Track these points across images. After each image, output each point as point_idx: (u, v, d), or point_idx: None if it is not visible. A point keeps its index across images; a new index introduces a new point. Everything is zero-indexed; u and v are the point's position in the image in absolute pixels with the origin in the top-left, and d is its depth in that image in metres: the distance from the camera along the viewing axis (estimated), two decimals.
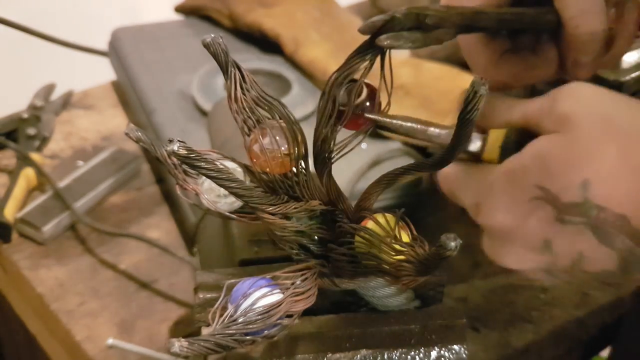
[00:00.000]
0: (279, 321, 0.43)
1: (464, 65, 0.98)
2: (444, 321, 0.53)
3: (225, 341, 0.41)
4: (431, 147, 0.89)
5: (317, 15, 1.06)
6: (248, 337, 0.42)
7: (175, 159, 0.46)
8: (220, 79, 0.96)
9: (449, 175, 0.54)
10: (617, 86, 0.76)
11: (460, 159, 0.54)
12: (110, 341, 0.73)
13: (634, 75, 0.76)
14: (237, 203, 0.50)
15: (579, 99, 0.48)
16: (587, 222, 0.46)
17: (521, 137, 0.51)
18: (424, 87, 0.95)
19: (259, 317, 0.43)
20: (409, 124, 0.52)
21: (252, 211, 0.49)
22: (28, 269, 0.81)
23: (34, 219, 0.84)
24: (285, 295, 0.44)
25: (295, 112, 0.49)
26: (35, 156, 0.91)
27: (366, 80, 0.48)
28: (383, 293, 0.53)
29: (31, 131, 0.94)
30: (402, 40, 0.46)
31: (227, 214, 0.50)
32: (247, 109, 0.47)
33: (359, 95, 0.48)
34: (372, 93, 0.49)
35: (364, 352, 0.51)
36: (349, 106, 0.47)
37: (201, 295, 0.53)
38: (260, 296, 0.44)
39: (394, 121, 0.51)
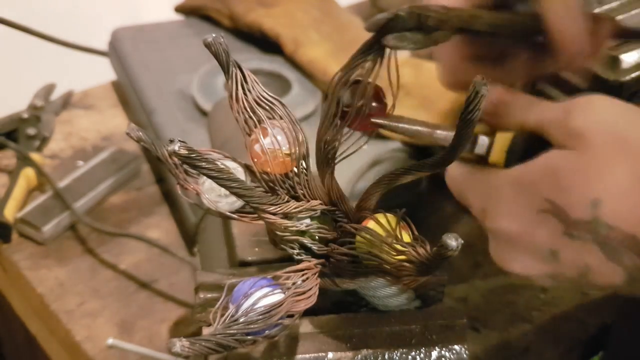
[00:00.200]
0: (280, 321, 0.43)
1: None
2: (445, 321, 0.53)
3: (226, 341, 0.41)
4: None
5: (317, 15, 1.06)
6: (249, 337, 0.42)
7: (176, 159, 0.47)
8: (220, 79, 0.95)
9: (456, 176, 0.54)
10: (617, 86, 0.76)
11: (466, 160, 0.54)
12: (110, 341, 0.73)
13: (633, 75, 0.76)
14: (238, 203, 0.50)
15: (593, 114, 0.47)
16: (595, 238, 0.46)
17: (528, 142, 0.51)
18: (424, 87, 0.95)
19: (260, 317, 0.43)
20: (415, 128, 0.52)
21: (252, 211, 0.49)
22: (28, 269, 0.81)
23: (34, 219, 0.84)
24: (286, 295, 0.44)
25: (296, 112, 0.49)
26: (35, 156, 0.91)
27: (370, 80, 0.48)
28: (384, 293, 0.53)
29: (31, 131, 0.94)
30: (405, 42, 0.47)
31: (228, 213, 0.50)
32: (248, 109, 0.47)
33: (363, 95, 0.48)
34: (378, 93, 0.49)
35: (364, 352, 0.51)
36: (353, 106, 0.48)
37: (202, 295, 0.53)
38: (261, 296, 0.44)
39: (401, 125, 0.51)
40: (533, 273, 0.50)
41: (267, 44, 1.03)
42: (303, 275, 0.47)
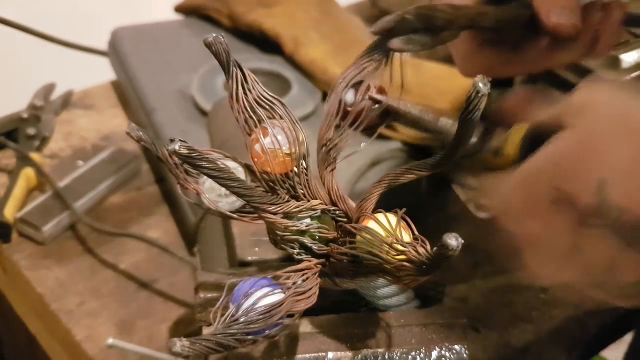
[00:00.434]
0: (280, 321, 0.43)
1: None
2: (445, 321, 0.53)
3: (226, 341, 0.41)
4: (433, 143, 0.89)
5: (317, 15, 1.06)
6: (249, 337, 0.42)
7: (176, 159, 0.47)
8: (220, 79, 0.96)
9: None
10: None
11: (482, 156, 0.54)
12: (110, 341, 0.73)
13: (634, 75, 0.76)
14: (238, 203, 0.50)
15: (595, 91, 0.47)
16: (608, 224, 0.43)
17: (541, 134, 0.49)
18: (424, 87, 0.95)
19: (261, 317, 0.42)
20: (418, 112, 0.52)
21: (253, 211, 0.49)
22: (28, 269, 0.81)
23: (34, 219, 0.84)
24: (287, 295, 0.44)
25: (295, 112, 0.49)
26: (35, 156, 0.91)
27: (373, 81, 0.48)
28: (384, 293, 0.53)
29: (31, 131, 0.94)
30: (412, 44, 0.47)
31: (228, 213, 0.50)
32: (248, 109, 0.47)
33: (366, 96, 0.48)
34: (380, 94, 0.49)
35: (364, 352, 0.51)
36: (355, 107, 0.48)
37: (202, 295, 0.53)
38: (261, 296, 0.44)
39: (402, 107, 0.51)
40: (566, 278, 0.46)
41: (267, 44, 1.03)
42: (303, 275, 0.47)
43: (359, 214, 0.49)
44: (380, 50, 0.47)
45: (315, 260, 0.49)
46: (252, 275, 0.51)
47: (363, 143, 0.50)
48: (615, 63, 0.77)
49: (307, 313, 0.47)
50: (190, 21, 1.11)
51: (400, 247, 0.44)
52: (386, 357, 0.51)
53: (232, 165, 0.49)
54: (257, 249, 0.59)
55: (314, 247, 0.49)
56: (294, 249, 0.49)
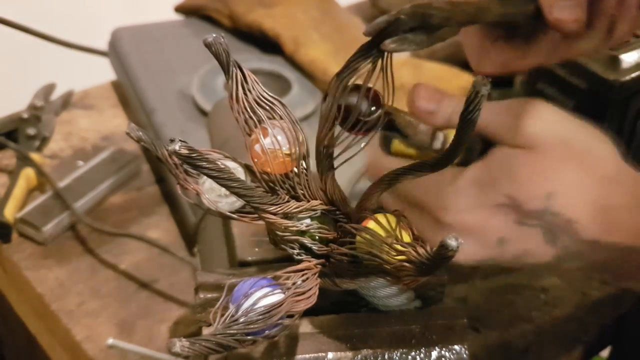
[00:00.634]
0: (280, 321, 0.43)
1: (464, 65, 0.98)
2: (445, 321, 0.53)
3: (226, 341, 0.41)
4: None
5: (317, 15, 1.06)
6: (249, 337, 0.42)
7: (176, 159, 0.47)
8: (220, 79, 0.96)
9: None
10: (617, 86, 0.76)
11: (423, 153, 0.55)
12: (110, 341, 0.73)
13: (633, 75, 0.76)
14: (238, 203, 0.50)
15: (544, 122, 0.53)
16: (541, 224, 0.52)
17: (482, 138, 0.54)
18: None
19: (260, 317, 0.42)
20: (408, 118, 0.53)
21: (253, 211, 0.49)
22: (28, 269, 0.81)
23: (34, 219, 0.84)
24: (287, 295, 0.44)
25: (295, 112, 0.49)
26: (35, 156, 0.91)
27: (368, 84, 0.48)
28: (384, 293, 0.53)
29: (31, 131, 0.94)
30: (406, 44, 0.46)
31: (228, 213, 0.50)
32: (248, 109, 0.47)
33: (362, 97, 0.48)
34: (376, 96, 0.49)
35: (364, 352, 0.51)
36: (354, 111, 0.47)
37: (202, 295, 0.53)
38: (261, 296, 0.44)
39: (408, 117, 0.52)
40: (474, 260, 0.54)
41: (267, 44, 1.03)
42: (303, 275, 0.47)
43: (358, 214, 0.49)
44: (374, 50, 0.46)
45: (315, 261, 0.49)
46: (252, 275, 0.51)
47: (363, 143, 0.50)
48: (615, 63, 0.77)
49: (307, 313, 0.47)
50: (190, 21, 1.11)
51: (400, 247, 0.44)
52: (386, 357, 0.51)
53: (231, 165, 0.49)
54: (257, 249, 0.59)
55: (314, 247, 0.49)
56: (293, 249, 0.49)
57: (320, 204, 0.50)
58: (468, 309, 0.76)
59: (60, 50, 1.02)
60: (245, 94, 0.47)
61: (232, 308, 0.43)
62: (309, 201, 0.49)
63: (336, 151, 0.49)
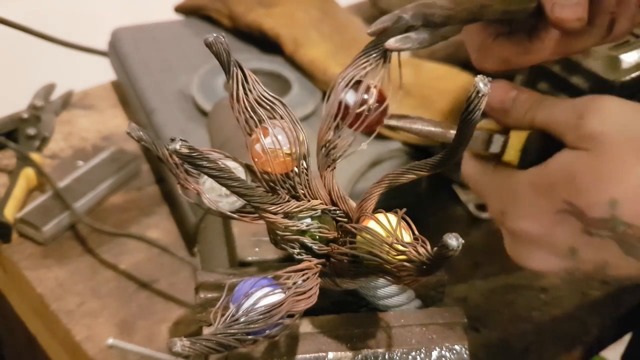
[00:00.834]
0: (280, 321, 0.43)
1: (464, 65, 0.98)
2: (445, 321, 0.53)
3: (227, 341, 0.41)
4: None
5: (317, 15, 1.06)
6: (250, 337, 0.42)
7: (176, 158, 0.47)
8: (220, 79, 0.96)
9: (473, 175, 0.55)
10: (617, 86, 0.76)
11: (480, 158, 0.54)
12: (110, 341, 0.73)
13: (634, 75, 0.76)
14: (238, 202, 0.50)
15: (607, 117, 0.49)
16: (613, 236, 0.48)
17: (543, 142, 0.51)
18: (424, 87, 0.95)
19: (261, 316, 0.42)
20: (428, 129, 0.52)
21: (253, 211, 0.49)
22: (28, 269, 0.81)
23: (34, 219, 0.84)
24: (287, 295, 0.44)
25: (295, 112, 0.49)
26: (35, 156, 0.91)
27: (372, 81, 0.48)
28: (384, 293, 0.53)
29: (31, 131, 0.94)
30: (409, 43, 0.47)
31: (228, 213, 0.50)
32: (249, 109, 0.47)
33: (366, 95, 0.48)
34: (380, 94, 0.49)
35: (364, 352, 0.51)
36: (354, 108, 0.48)
37: (202, 295, 0.53)
38: (261, 296, 0.44)
39: (414, 126, 0.51)
40: (551, 268, 0.51)
41: (267, 44, 1.03)
42: (303, 275, 0.47)
43: (359, 213, 0.49)
44: (377, 50, 0.47)
45: (315, 260, 0.49)
46: (252, 275, 0.51)
47: (363, 143, 0.50)
48: (615, 63, 0.77)
49: (307, 313, 0.47)
50: (190, 21, 1.11)
51: (400, 247, 0.44)
52: (386, 357, 0.51)
53: (232, 165, 0.49)
54: (257, 249, 0.59)
55: (314, 247, 0.49)
56: (294, 248, 0.49)
57: (321, 203, 0.50)
58: (468, 309, 0.76)
59: (60, 50, 1.02)
60: (245, 93, 0.47)
61: (232, 308, 0.43)
62: (309, 201, 0.49)
63: (339, 148, 0.49)
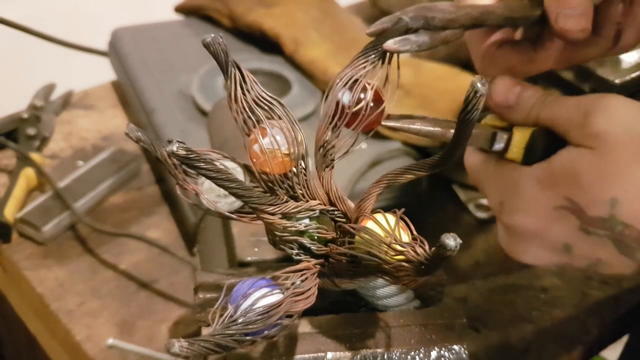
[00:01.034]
0: (279, 321, 0.43)
1: (464, 65, 0.98)
2: (444, 321, 0.53)
3: (225, 341, 0.41)
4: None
5: (317, 15, 1.06)
6: (248, 338, 0.42)
7: (175, 159, 0.47)
8: (220, 79, 0.96)
9: (476, 166, 0.54)
10: (617, 86, 0.76)
11: (483, 154, 0.54)
12: (110, 341, 0.73)
13: (634, 75, 0.76)
14: (237, 203, 0.50)
15: (613, 116, 0.48)
16: (610, 235, 0.48)
17: (546, 139, 0.50)
18: (424, 87, 0.95)
19: (259, 317, 0.42)
20: (427, 129, 0.52)
21: (252, 211, 0.49)
22: (28, 269, 0.81)
23: (34, 219, 0.84)
24: (285, 295, 0.44)
25: (295, 112, 0.49)
26: (35, 156, 0.91)
27: (369, 81, 0.48)
28: (383, 293, 0.53)
29: (31, 131, 0.94)
30: (409, 45, 0.47)
31: (227, 214, 0.50)
32: (247, 109, 0.47)
33: (363, 95, 0.48)
34: (377, 94, 0.49)
35: (364, 352, 0.51)
36: (352, 107, 0.47)
37: (201, 295, 0.53)
38: (260, 296, 0.44)
39: (413, 127, 0.51)
40: (543, 263, 0.52)
41: (267, 44, 1.03)
42: (302, 275, 0.47)
43: (357, 214, 0.49)
44: (376, 50, 0.47)
45: (314, 261, 0.49)
46: (251, 275, 0.51)
47: (363, 143, 0.50)
48: (615, 63, 0.77)
49: (306, 313, 0.47)
50: (190, 21, 1.11)
51: (398, 247, 0.44)
52: (385, 357, 0.51)
53: (230, 165, 0.49)
54: (256, 249, 0.59)
55: (313, 248, 0.49)
56: (292, 249, 0.49)
57: (319, 204, 0.50)
58: (468, 309, 0.76)
59: (60, 50, 1.02)
60: (243, 94, 0.47)
61: (230, 308, 0.43)
62: (307, 201, 0.49)
63: (337, 148, 0.49)
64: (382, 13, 1.12)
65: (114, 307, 0.78)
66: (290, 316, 0.44)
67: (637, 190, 0.47)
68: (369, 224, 0.47)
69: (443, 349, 0.52)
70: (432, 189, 0.89)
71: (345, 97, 0.48)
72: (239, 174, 0.49)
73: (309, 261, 0.49)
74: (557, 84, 0.81)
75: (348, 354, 0.50)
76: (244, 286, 0.44)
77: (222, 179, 0.44)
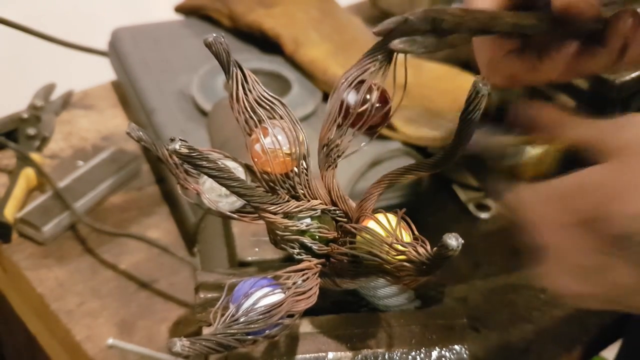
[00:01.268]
0: (280, 321, 0.43)
1: (464, 65, 0.98)
2: (445, 321, 0.53)
3: (226, 341, 0.41)
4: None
5: (317, 15, 1.06)
6: (249, 337, 0.42)
7: (176, 158, 0.47)
8: (220, 79, 0.96)
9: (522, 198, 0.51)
10: (617, 86, 0.76)
11: (505, 171, 0.53)
12: (110, 341, 0.73)
13: (633, 75, 0.76)
14: (238, 203, 0.50)
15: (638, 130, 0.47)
16: (631, 255, 0.45)
17: (573, 158, 0.50)
18: (424, 87, 0.95)
19: (261, 316, 0.43)
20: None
21: (253, 211, 0.49)
22: (28, 269, 0.81)
23: (34, 219, 0.84)
24: (287, 295, 0.44)
25: (295, 112, 0.49)
26: (35, 156, 0.91)
27: (375, 82, 0.48)
28: (384, 293, 0.53)
29: (31, 131, 0.94)
30: (415, 45, 0.47)
31: (228, 213, 0.50)
32: (248, 109, 0.47)
33: (369, 96, 0.48)
34: (382, 95, 0.49)
35: (364, 352, 0.51)
36: (355, 107, 0.48)
37: (202, 295, 0.53)
38: (261, 296, 0.44)
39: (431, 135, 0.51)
40: (555, 285, 0.48)
41: (267, 44, 1.03)
42: (303, 275, 0.47)
43: (358, 213, 0.49)
44: (382, 50, 0.47)
45: (315, 260, 0.49)
46: (252, 275, 0.51)
47: (363, 143, 0.50)
48: None
49: (307, 313, 0.47)
50: (190, 21, 1.11)
51: (400, 247, 0.44)
52: (386, 357, 0.51)
53: (232, 165, 0.49)
54: (257, 249, 0.59)
55: (314, 247, 0.49)
56: (293, 248, 0.49)
57: (320, 203, 0.50)
58: (468, 309, 0.76)
59: (60, 50, 1.02)
60: (245, 93, 0.47)
61: (232, 308, 0.43)
62: (309, 201, 0.49)
63: (340, 147, 0.49)
64: (382, 13, 1.12)
65: (114, 307, 0.78)
66: (291, 316, 0.44)
67: None
68: (371, 224, 0.47)
69: (444, 349, 0.52)
70: (432, 189, 0.89)
71: (351, 98, 0.48)
72: (240, 173, 0.49)
73: (310, 261, 0.49)
74: (560, 87, 0.81)
75: (349, 354, 0.51)
76: (246, 286, 0.44)
77: (224, 178, 0.44)
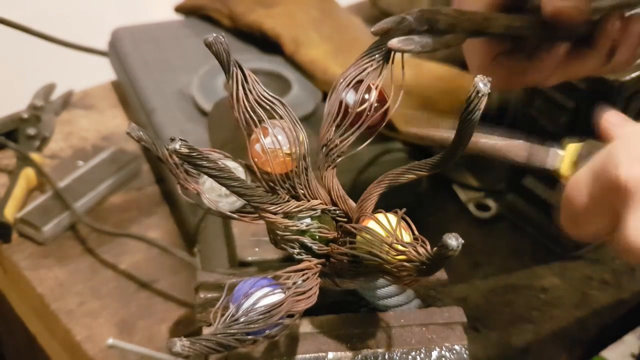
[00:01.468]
0: (280, 321, 0.43)
1: (464, 65, 0.98)
2: (445, 321, 0.53)
3: (226, 341, 0.41)
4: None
5: (317, 15, 1.06)
6: (249, 337, 0.42)
7: (176, 158, 0.47)
8: (220, 79, 0.96)
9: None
10: (617, 86, 0.76)
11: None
12: (110, 341, 0.73)
13: (634, 75, 0.76)
14: (238, 202, 0.50)
15: None
16: None
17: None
18: (424, 87, 0.95)
19: (261, 316, 0.42)
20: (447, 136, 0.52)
21: (253, 211, 0.49)
22: (28, 269, 0.81)
23: (34, 219, 0.84)
24: (287, 295, 0.44)
25: (295, 112, 0.49)
26: (35, 156, 0.91)
27: (374, 82, 0.48)
28: (384, 293, 0.53)
29: (31, 131, 0.94)
30: (412, 45, 0.47)
31: (228, 213, 0.50)
32: (248, 109, 0.47)
33: (367, 95, 0.48)
34: (381, 94, 0.49)
35: (364, 352, 0.51)
36: (354, 107, 0.48)
37: (202, 295, 0.53)
38: (261, 296, 0.44)
39: (437, 134, 0.51)
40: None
41: (267, 44, 1.03)
42: (303, 275, 0.47)
43: (359, 213, 0.49)
44: (380, 50, 0.47)
45: (315, 260, 0.49)
46: (252, 275, 0.51)
47: (363, 143, 0.50)
48: None
49: (307, 313, 0.47)
50: (190, 21, 1.11)
51: (400, 247, 0.44)
52: (386, 357, 0.51)
53: (232, 165, 0.49)
54: (257, 249, 0.59)
55: (314, 247, 0.49)
56: (294, 248, 0.49)
57: (321, 203, 0.50)
58: (468, 309, 0.76)
59: (60, 50, 1.02)
60: (245, 93, 0.47)
61: (232, 308, 0.43)
62: (309, 201, 0.49)
63: (340, 147, 0.49)
64: (382, 13, 1.12)
65: (114, 307, 0.78)
66: (291, 316, 0.44)
67: None
68: (371, 224, 0.47)
69: (444, 349, 0.52)
70: (432, 189, 0.89)
71: (349, 97, 0.48)
72: (240, 173, 0.49)
73: (310, 261, 0.49)
74: (562, 88, 0.81)
75: (349, 354, 0.50)
76: (246, 286, 0.44)
77: (224, 178, 0.44)
